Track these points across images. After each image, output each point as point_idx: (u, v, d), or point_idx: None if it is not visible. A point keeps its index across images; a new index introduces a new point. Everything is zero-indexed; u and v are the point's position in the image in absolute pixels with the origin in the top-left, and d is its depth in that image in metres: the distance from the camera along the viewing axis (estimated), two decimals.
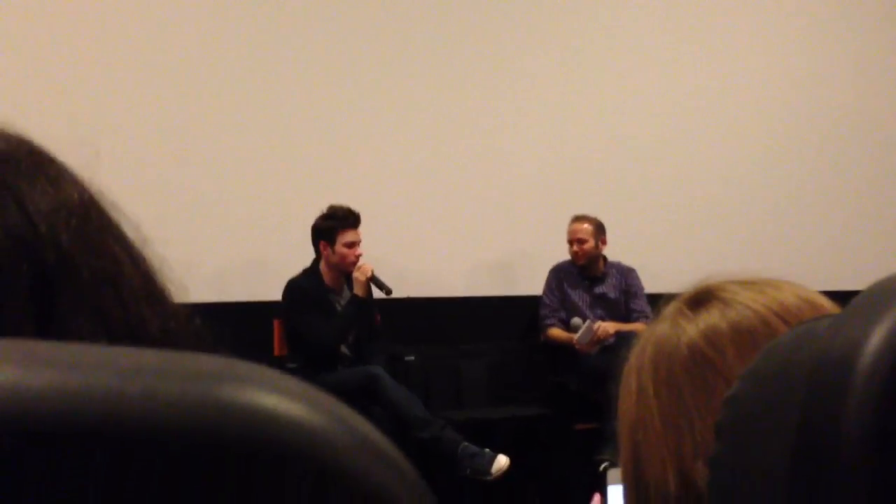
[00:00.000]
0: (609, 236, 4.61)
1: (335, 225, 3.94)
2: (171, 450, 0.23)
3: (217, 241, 4.33)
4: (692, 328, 0.71)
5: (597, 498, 1.10)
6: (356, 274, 3.93)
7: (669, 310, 0.75)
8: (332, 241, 3.94)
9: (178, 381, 0.24)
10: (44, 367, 0.23)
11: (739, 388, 0.50)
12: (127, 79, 4.23)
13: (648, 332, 0.76)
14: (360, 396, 3.52)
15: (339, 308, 3.99)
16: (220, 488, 0.23)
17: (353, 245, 3.94)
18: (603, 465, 1.11)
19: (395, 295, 4.19)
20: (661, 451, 0.69)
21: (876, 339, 0.42)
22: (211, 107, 4.38)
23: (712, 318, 0.71)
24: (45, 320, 0.36)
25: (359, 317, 3.95)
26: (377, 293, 4.06)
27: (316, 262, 4.03)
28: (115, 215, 0.42)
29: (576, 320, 4.44)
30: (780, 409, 0.46)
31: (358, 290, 3.95)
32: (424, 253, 4.71)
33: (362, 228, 4.05)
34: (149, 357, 0.25)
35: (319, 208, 4.02)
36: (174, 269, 0.44)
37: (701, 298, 0.73)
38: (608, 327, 4.35)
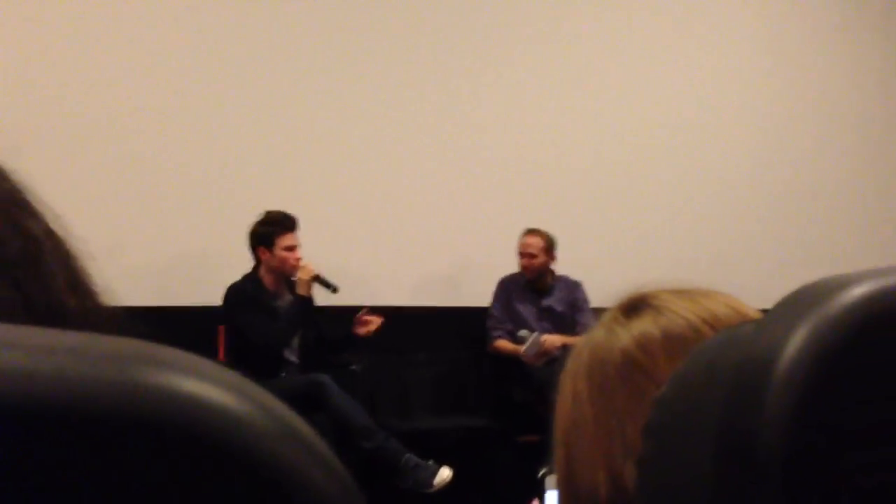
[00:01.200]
0: (558, 249, 4.65)
1: (273, 230, 3.95)
2: (83, 432, 0.22)
3: (162, 244, 4.28)
4: (625, 334, 0.72)
5: (535, 503, 1.11)
6: (299, 274, 3.96)
7: (605, 317, 0.76)
8: (270, 246, 3.95)
9: (93, 362, 0.23)
10: None
11: (667, 390, 0.51)
12: (62, 77, 4.16)
13: (585, 339, 0.78)
14: (305, 403, 3.50)
15: (280, 312, 3.98)
16: (135, 472, 0.23)
17: (292, 248, 3.96)
18: (542, 472, 1.11)
19: (341, 303, 4.18)
20: (593, 454, 0.70)
21: (795, 342, 0.43)
22: (154, 107, 4.33)
23: (645, 324, 0.72)
24: None
25: (302, 319, 3.96)
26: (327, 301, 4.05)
27: (255, 267, 4.03)
28: (37, 204, 0.43)
29: (522, 332, 4.47)
30: (705, 410, 0.47)
31: (301, 291, 3.97)
32: (372, 261, 4.71)
33: (312, 235, 4.06)
34: (63, 337, 0.24)
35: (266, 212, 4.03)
36: (96, 259, 0.45)
37: (635, 306, 0.75)
38: (554, 340, 4.38)
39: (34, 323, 0.38)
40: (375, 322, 4.03)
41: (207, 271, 4.27)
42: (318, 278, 3.99)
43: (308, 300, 3.99)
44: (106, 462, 0.22)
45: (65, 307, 0.40)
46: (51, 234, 0.42)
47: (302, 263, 3.96)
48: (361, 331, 4.03)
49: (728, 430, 0.44)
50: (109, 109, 4.21)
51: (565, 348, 4.35)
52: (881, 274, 0.45)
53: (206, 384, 0.24)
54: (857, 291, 0.43)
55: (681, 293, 0.75)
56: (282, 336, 3.92)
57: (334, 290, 4.02)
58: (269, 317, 3.92)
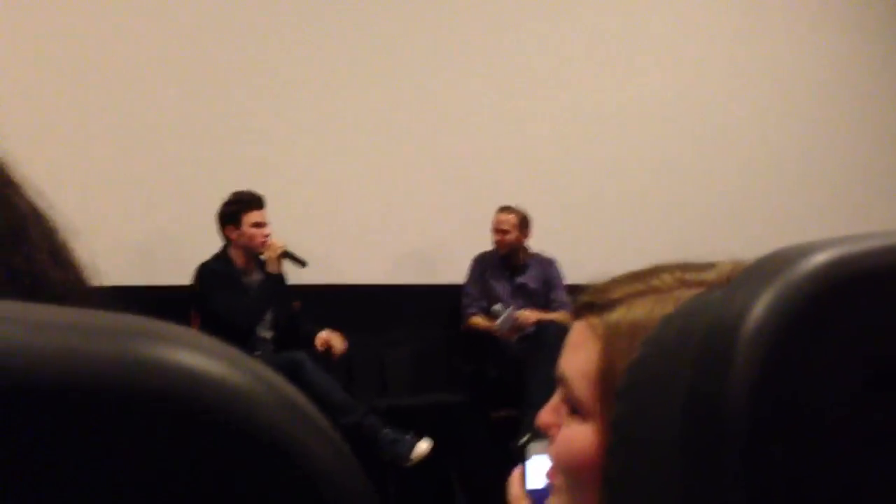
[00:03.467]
0: (533, 225, 4.67)
1: (239, 208, 3.98)
2: (85, 406, 0.23)
3: (137, 223, 4.27)
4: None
5: (516, 471, 1.12)
6: (267, 252, 3.98)
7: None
8: (238, 224, 3.98)
9: (93, 337, 0.23)
10: None
11: (641, 353, 0.53)
12: (46, 55, 4.12)
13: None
14: None
15: (251, 290, 4.00)
16: (137, 445, 0.23)
17: (260, 225, 3.98)
18: (523, 439, 1.14)
19: (317, 281, 4.19)
20: None
21: (759, 307, 0.45)
22: (135, 90, 4.30)
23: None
24: None
25: (273, 295, 3.98)
26: (294, 278, 4.05)
27: (225, 248, 4.05)
28: (19, 177, 0.43)
29: (496, 307, 4.50)
30: (676, 372, 0.49)
31: (271, 268, 4.00)
32: (348, 240, 4.71)
33: (286, 214, 4.08)
34: (64, 313, 0.24)
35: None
36: (77, 233, 0.45)
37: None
38: (529, 315, 4.42)
39: (19, 296, 0.39)
40: (336, 346, 4.06)
41: (182, 251, 4.26)
42: (286, 254, 4.01)
43: (277, 276, 4.01)
44: (108, 435, 0.23)
45: (49, 281, 0.41)
46: (34, 210, 0.42)
47: (270, 241, 3.98)
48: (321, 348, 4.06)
49: (697, 390, 0.46)
50: (90, 91, 4.18)
51: (538, 325, 4.38)
52: (843, 242, 0.47)
53: (204, 357, 0.25)
54: (819, 258, 0.45)
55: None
56: (251, 313, 3.93)
57: (303, 264, 4.04)
58: (239, 294, 3.94)
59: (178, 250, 4.27)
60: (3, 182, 0.42)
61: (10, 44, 4.04)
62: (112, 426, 0.23)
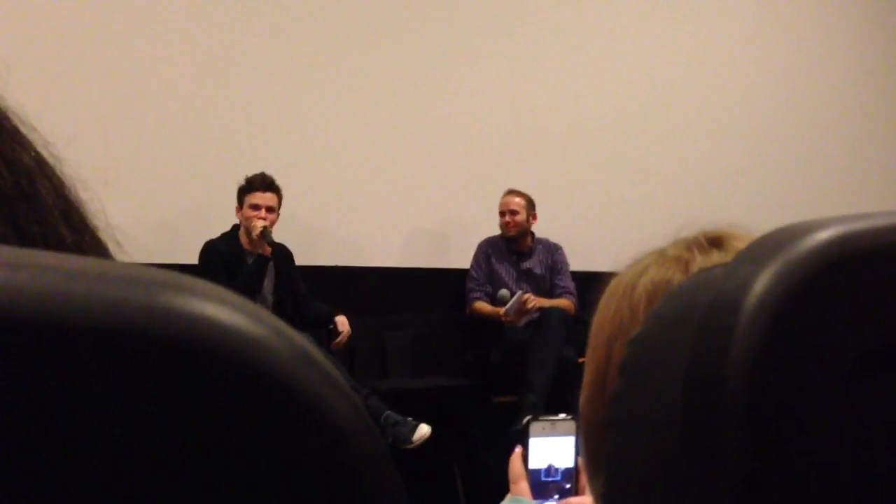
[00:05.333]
0: (539, 213, 4.67)
1: (244, 188, 4.04)
2: (114, 352, 0.23)
3: (160, 199, 4.30)
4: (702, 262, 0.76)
5: (518, 450, 1.14)
6: (252, 233, 4.00)
7: (685, 238, 0.79)
8: (241, 205, 4.06)
9: (123, 286, 0.24)
10: None
11: (642, 329, 0.53)
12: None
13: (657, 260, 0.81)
14: None
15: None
16: (161, 391, 0.24)
17: (257, 207, 4.01)
18: (526, 419, 1.14)
19: (322, 263, 4.20)
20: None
21: (761, 283, 0.45)
22: (151, 64, 4.31)
23: (718, 259, 0.76)
24: None
25: (261, 276, 4.00)
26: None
27: (236, 226, 4.13)
28: (26, 131, 0.41)
29: (502, 292, 4.51)
30: (677, 348, 0.49)
31: (258, 248, 4.04)
32: (354, 222, 4.72)
33: (297, 195, 4.10)
34: (94, 263, 0.25)
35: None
36: (89, 187, 0.43)
37: (717, 240, 0.78)
38: (535, 300, 4.43)
39: None
40: (254, 225, 4.05)
41: (206, 231, 4.26)
42: (264, 234, 4.01)
43: (263, 257, 4.02)
44: (138, 381, 0.23)
45: (61, 241, 0.39)
46: (43, 164, 0.40)
47: (254, 222, 3.99)
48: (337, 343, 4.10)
49: (698, 365, 0.47)
50: (115, 67, 4.22)
51: (542, 311, 4.39)
52: (847, 219, 0.47)
53: (227, 309, 0.25)
54: (822, 235, 0.46)
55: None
56: (237, 293, 3.93)
57: (271, 243, 4.04)
58: (233, 274, 3.98)
59: (201, 230, 4.28)
60: (8, 136, 0.39)
61: (41, 16, 4.06)
62: (137, 372, 0.24)
